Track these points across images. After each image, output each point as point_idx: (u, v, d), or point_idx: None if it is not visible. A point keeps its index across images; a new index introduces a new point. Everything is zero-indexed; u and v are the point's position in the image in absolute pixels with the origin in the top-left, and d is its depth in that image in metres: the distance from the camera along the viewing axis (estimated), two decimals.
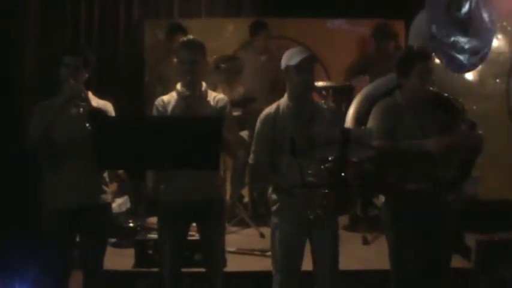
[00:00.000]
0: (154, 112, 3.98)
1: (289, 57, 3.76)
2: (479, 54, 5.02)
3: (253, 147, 3.89)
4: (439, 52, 4.84)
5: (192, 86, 3.90)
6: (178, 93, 3.95)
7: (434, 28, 4.90)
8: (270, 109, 3.87)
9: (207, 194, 3.92)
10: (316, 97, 3.92)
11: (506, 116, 5.71)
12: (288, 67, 3.76)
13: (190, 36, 4.01)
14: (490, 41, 5.18)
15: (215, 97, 4.01)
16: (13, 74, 5.72)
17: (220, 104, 3.98)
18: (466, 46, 4.93)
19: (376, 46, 6.44)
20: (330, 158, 3.42)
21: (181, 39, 4.01)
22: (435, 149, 3.69)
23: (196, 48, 3.92)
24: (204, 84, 4.01)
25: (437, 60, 4.76)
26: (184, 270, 4.10)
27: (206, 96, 3.99)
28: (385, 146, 3.71)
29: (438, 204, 3.83)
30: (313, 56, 3.81)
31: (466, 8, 4.98)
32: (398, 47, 6.34)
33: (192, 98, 3.86)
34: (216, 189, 4.01)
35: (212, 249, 4.05)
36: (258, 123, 3.88)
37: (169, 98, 3.98)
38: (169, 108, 3.93)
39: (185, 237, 4.08)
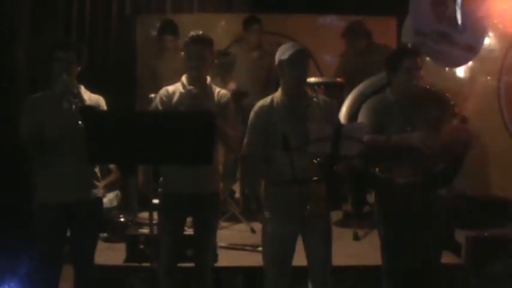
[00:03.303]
0: (158, 101, 3.99)
1: (282, 52, 3.75)
2: (471, 50, 5.03)
3: (246, 140, 3.88)
4: (425, 47, 4.85)
5: (198, 80, 3.93)
6: (184, 87, 3.97)
7: (419, 23, 4.91)
8: (264, 101, 3.86)
9: (204, 187, 3.96)
10: (310, 92, 3.90)
11: (497, 113, 5.73)
12: (281, 62, 3.74)
13: (200, 32, 3.98)
14: (483, 37, 5.19)
15: (219, 92, 4.04)
16: (5, 68, 5.70)
17: (224, 99, 4.01)
18: (457, 41, 4.94)
19: (347, 44, 6.44)
20: (322, 153, 3.43)
21: (190, 34, 3.98)
22: (423, 142, 3.71)
23: (204, 43, 3.94)
24: (208, 78, 4.03)
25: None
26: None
27: (210, 91, 4.01)
28: (374, 141, 3.73)
29: (429, 199, 3.85)
30: (306, 51, 3.78)
31: (451, 3, 4.99)
32: (371, 44, 6.34)
33: (199, 95, 3.88)
34: (213, 182, 4.04)
35: (206, 243, 4.07)
36: (251, 115, 3.86)
37: (174, 89, 4.00)
38: (174, 99, 3.96)
39: (182, 231, 4.12)
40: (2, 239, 4.70)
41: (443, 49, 4.94)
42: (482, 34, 5.19)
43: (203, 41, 3.94)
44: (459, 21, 4.93)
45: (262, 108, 3.84)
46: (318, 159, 3.48)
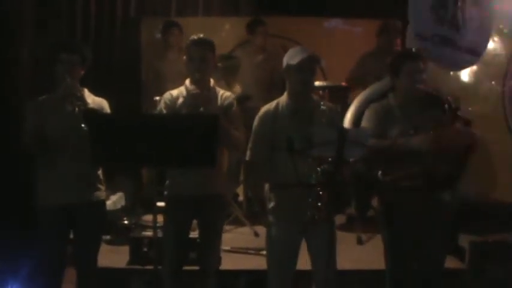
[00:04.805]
0: (162, 105, 4.00)
1: (291, 57, 3.75)
2: (474, 53, 5.01)
3: (250, 144, 3.88)
4: (426, 50, 4.84)
5: (201, 83, 3.93)
6: (187, 90, 3.97)
7: (419, 27, 4.90)
8: (269, 106, 3.86)
9: (209, 188, 3.95)
10: (316, 96, 3.90)
11: (501, 118, 5.72)
12: (288, 66, 3.74)
13: (200, 34, 4.00)
14: (486, 40, 5.18)
15: (222, 94, 4.04)
16: (8, 68, 5.71)
17: (227, 101, 4.02)
18: (459, 44, 4.92)
19: (381, 44, 6.36)
20: (327, 158, 3.43)
21: (191, 37, 4.00)
22: (425, 146, 3.71)
23: (206, 45, 3.96)
24: (212, 81, 4.03)
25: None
26: None
27: (214, 93, 4.01)
28: (377, 145, 3.73)
29: (432, 203, 3.85)
30: (315, 57, 3.75)
31: (451, 7, 4.98)
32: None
33: (200, 95, 3.88)
34: (218, 184, 4.03)
35: (210, 246, 4.07)
36: (256, 120, 3.87)
37: (178, 93, 4.01)
38: (178, 103, 3.96)
39: (188, 234, 4.12)
40: (2, 239, 4.70)
41: (445, 52, 4.92)
42: (486, 37, 5.17)
43: (204, 43, 3.96)
44: (460, 24, 4.92)
45: (266, 114, 3.84)
46: (323, 166, 3.48)
